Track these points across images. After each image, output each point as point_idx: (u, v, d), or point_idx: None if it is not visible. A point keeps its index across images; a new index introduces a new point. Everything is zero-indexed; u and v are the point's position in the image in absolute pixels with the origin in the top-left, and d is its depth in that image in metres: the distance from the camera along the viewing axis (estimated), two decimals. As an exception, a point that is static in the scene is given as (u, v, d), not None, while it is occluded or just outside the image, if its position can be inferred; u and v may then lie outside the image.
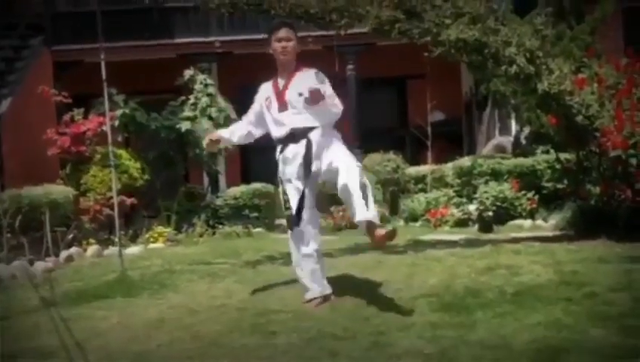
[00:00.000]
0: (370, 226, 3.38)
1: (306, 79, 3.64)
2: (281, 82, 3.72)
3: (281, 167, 3.70)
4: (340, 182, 3.40)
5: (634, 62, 5.29)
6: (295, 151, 3.60)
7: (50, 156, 7.44)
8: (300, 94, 3.59)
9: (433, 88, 8.93)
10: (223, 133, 4.04)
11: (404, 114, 11.43)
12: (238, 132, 3.97)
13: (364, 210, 3.33)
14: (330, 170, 3.51)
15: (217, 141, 4.00)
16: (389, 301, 3.58)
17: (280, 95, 3.67)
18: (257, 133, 3.92)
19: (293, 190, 3.63)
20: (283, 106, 3.65)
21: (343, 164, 3.44)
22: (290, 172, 3.63)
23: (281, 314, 3.49)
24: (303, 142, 3.57)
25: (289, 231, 3.71)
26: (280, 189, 3.74)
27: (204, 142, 4.02)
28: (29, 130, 7.81)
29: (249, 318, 3.45)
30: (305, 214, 3.59)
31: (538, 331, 2.92)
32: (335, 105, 3.58)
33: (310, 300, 3.64)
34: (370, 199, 3.39)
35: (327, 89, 3.61)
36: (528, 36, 5.10)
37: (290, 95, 3.64)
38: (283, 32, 3.69)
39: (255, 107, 3.86)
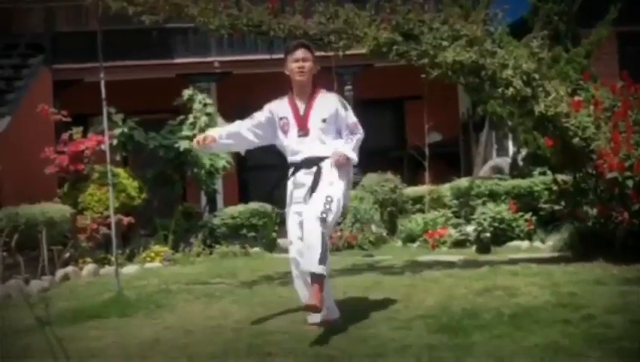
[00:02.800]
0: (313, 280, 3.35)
1: (330, 104, 3.64)
2: (300, 105, 3.66)
3: (290, 188, 3.66)
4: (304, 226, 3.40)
5: (629, 85, 5.34)
6: (306, 177, 3.59)
7: (48, 174, 7.44)
8: (324, 120, 3.59)
9: (431, 109, 8.98)
10: (219, 133, 3.81)
11: (402, 135, 11.49)
12: (234, 136, 3.80)
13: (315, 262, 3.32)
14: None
15: (211, 141, 3.77)
16: (386, 322, 3.56)
17: (302, 120, 3.63)
18: (255, 144, 3.83)
19: (298, 214, 3.59)
20: (304, 132, 3.61)
21: (312, 203, 3.43)
22: (298, 196, 3.61)
23: (277, 335, 3.47)
24: (314, 168, 3.57)
25: (290, 253, 3.67)
26: (287, 210, 3.70)
27: (194, 142, 3.78)
28: (27, 149, 7.82)
29: (245, 339, 3.43)
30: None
31: (535, 354, 2.91)
32: (357, 135, 3.67)
33: (313, 324, 3.57)
34: (327, 250, 3.36)
35: (350, 116, 3.65)
36: (525, 59, 5.15)
37: (313, 122, 3.61)
38: (300, 53, 3.67)
39: (263, 118, 3.75)
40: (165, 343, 3.48)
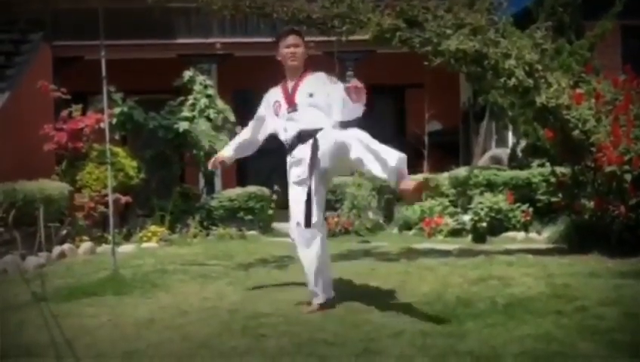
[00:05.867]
0: (400, 176, 3.20)
1: (317, 80, 3.70)
2: (290, 85, 3.75)
3: (289, 169, 3.69)
4: (354, 153, 3.25)
5: (631, 78, 5.32)
6: (303, 152, 3.59)
7: (46, 151, 7.43)
8: (311, 95, 3.63)
9: (431, 98, 8.95)
10: (225, 153, 4.06)
11: (402, 122, 11.45)
12: (241, 144, 4.00)
13: (394, 159, 3.16)
14: (337, 147, 3.38)
15: (222, 162, 4.02)
16: (380, 308, 3.58)
17: (290, 97, 3.70)
18: (260, 141, 3.97)
19: (301, 193, 3.60)
20: (292, 107, 3.68)
21: (349, 135, 3.32)
22: (298, 173, 3.62)
23: (272, 317, 3.49)
24: (310, 142, 3.56)
25: (295, 236, 3.66)
26: (289, 192, 3.71)
27: (210, 164, 4.10)
28: (26, 125, 7.79)
29: (240, 321, 3.45)
30: (315, 216, 3.56)
31: (528, 343, 2.93)
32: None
33: (319, 305, 3.60)
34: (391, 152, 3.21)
35: (341, 88, 3.57)
36: (528, 49, 5.13)
37: (300, 96, 3.66)
38: (291, 39, 3.76)
39: (260, 114, 3.89)
40: (160, 322, 3.50)
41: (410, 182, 3.22)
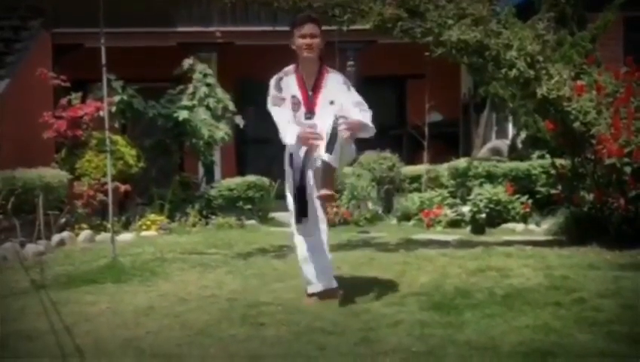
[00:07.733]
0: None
1: (336, 85, 3.56)
2: (308, 84, 3.59)
3: (287, 160, 3.65)
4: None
5: (633, 71, 5.30)
6: (303, 152, 3.57)
7: (45, 139, 7.42)
8: (332, 102, 3.52)
9: (432, 89, 8.93)
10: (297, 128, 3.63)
11: (403, 113, 11.44)
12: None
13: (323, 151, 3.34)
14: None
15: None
16: (379, 298, 3.59)
17: (310, 102, 3.56)
18: None
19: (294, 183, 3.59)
20: (311, 114, 3.56)
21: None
22: (297, 163, 3.58)
23: (271, 306, 3.50)
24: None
25: (294, 226, 3.65)
26: (287, 183, 3.71)
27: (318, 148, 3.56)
28: (25, 113, 7.77)
29: (239, 309, 3.46)
30: (310, 205, 3.56)
31: (526, 334, 2.94)
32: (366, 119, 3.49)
33: (313, 294, 3.60)
34: (336, 146, 3.33)
35: (354, 96, 3.55)
36: (529, 40, 5.11)
37: (320, 104, 3.55)
38: (308, 28, 3.53)
39: (283, 96, 3.61)
40: (159, 310, 3.51)
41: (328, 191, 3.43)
